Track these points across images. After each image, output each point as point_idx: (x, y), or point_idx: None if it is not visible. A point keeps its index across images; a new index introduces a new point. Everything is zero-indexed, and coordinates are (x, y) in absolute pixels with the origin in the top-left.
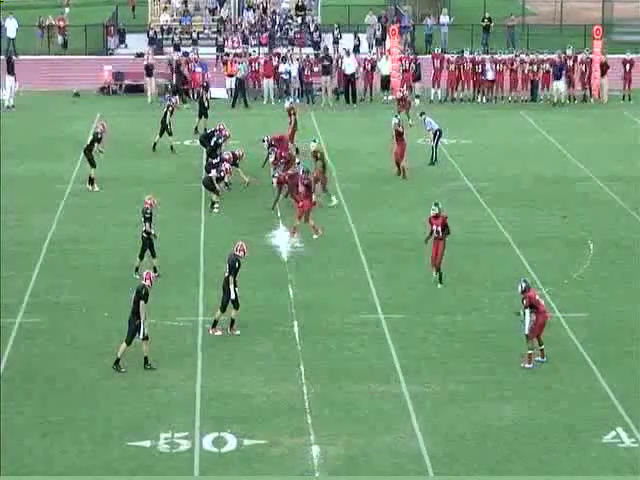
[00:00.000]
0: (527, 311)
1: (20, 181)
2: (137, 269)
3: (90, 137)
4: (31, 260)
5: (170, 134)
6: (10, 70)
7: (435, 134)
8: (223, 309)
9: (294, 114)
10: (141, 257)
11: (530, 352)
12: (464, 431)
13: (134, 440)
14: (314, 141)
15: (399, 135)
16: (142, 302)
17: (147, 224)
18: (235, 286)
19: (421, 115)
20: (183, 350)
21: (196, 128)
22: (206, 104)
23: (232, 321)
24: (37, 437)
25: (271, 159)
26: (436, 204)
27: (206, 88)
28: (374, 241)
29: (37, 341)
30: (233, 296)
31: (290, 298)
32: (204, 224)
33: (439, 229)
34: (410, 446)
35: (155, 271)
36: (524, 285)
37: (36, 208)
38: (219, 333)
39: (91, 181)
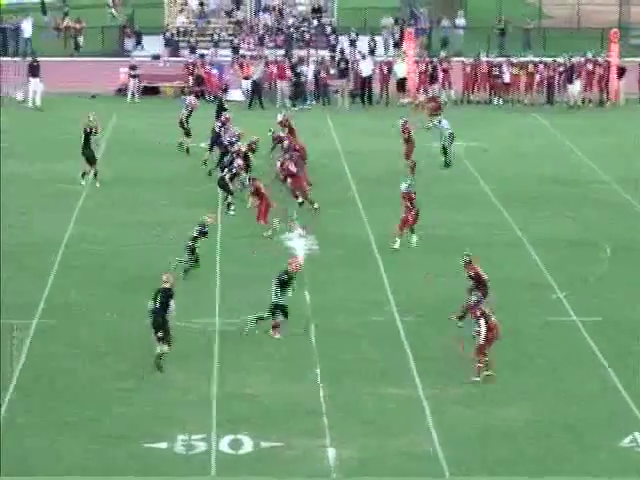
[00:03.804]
0: (482, 321)
1: (36, 182)
2: (186, 272)
3: (82, 135)
4: (47, 261)
5: (188, 135)
6: (35, 72)
7: (449, 137)
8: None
9: (288, 125)
10: (192, 267)
11: (480, 365)
12: (478, 433)
13: (150, 442)
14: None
15: (408, 136)
16: (172, 304)
17: (198, 239)
18: (282, 295)
19: (435, 115)
20: (199, 352)
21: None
22: (225, 106)
23: (276, 325)
24: (52, 438)
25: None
26: (467, 254)
27: (225, 90)
28: (390, 243)
29: (53, 342)
30: (278, 301)
31: (305, 299)
32: (220, 225)
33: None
34: (425, 448)
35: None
36: (467, 259)
37: (52, 209)
38: (278, 336)
39: (94, 175)
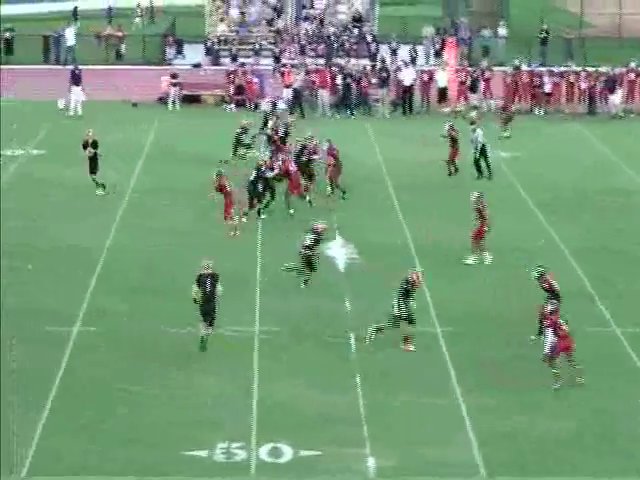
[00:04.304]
0: (549, 331)
1: (76, 189)
2: (305, 282)
3: (91, 150)
4: (87, 268)
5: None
6: (76, 81)
7: (481, 149)
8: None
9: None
10: (309, 276)
11: (556, 372)
12: (519, 442)
13: (190, 449)
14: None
15: (453, 140)
16: (219, 287)
17: (315, 247)
18: (404, 306)
19: (471, 124)
20: (239, 360)
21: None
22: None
23: (406, 337)
24: (90, 443)
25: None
26: (540, 268)
27: (274, 105)
28: (430, 251)
29: (93, 349)
30: (403, 313)
31: (346, 308)
32: (260, 232)
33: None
34: (465, 457)
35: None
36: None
37: (92, 216)
38: (412, 348)
39: (102, 186)
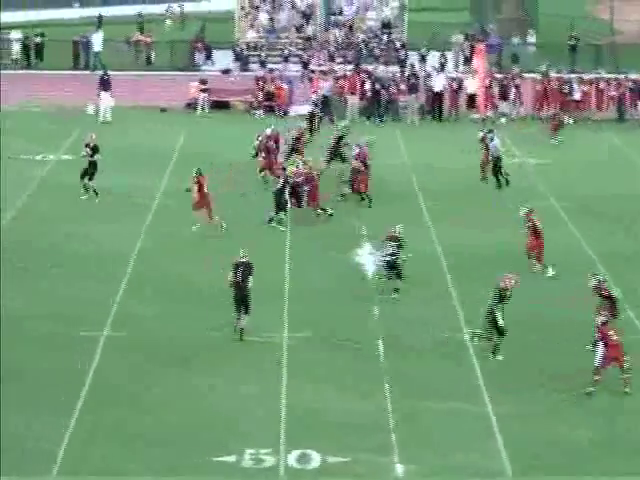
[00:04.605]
0: (600, 344)
1: (108, 194)
2: (395, 290)
3: (90, 152)
4: (118, 273)
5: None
6: (106, 87)
7: (495, 159)
8: (491, 337)
9: (277, 141)
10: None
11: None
12: (547, 450)
13: (219, 455)
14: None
15: (487, 147)
16: (251, 277)
17: (396, 255)
18: (500, 314)
19: (489, 132)
20: (268, 366)
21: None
22: (316, 120)
23: (496, 346)
24: (116, 446)
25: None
26: (596, 276)
27: (316, 104)
28: (458, 258)
29: (122, 354)
30: (501, 323)
31: (374, 315)
32: (289, 239)
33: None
34: (493, 463)
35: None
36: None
37: (121, 221)
38: (500, 358)
39: (95, 192)
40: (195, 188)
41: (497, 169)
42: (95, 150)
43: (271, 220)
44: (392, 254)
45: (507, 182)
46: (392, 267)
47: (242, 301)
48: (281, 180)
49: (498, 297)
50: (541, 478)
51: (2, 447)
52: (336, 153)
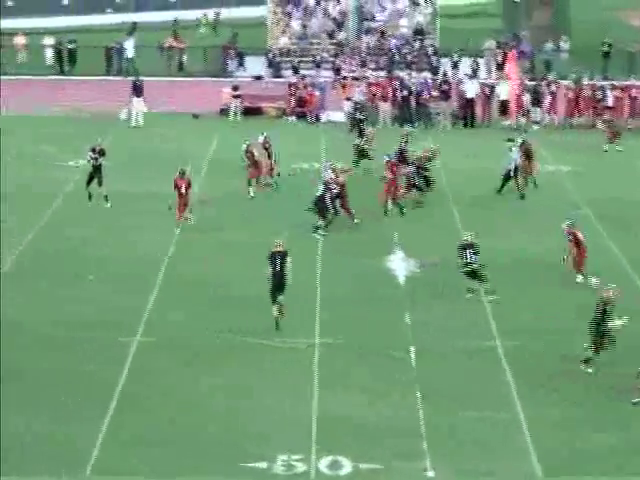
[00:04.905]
0: None
1: (140, 199)
2: (491, 292)
3: (95, 157)
4: (149, 279)
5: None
6: (138, 92)
7: (509, 170)
8: (596, 349)
9: (270, 146)
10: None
11: None
12: (579, 457)
13: (250, 461)
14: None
15: (527, 154)
16: (288, 265)
17: (471, 264)
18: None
19: (508, 141)
20: (300, 372)
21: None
22: (363, 126)
23: (587, 359)
24: (146, 450)
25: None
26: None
27: (361, 110)
28: (490, 265)
29: (153, 360)
30: (615, 325)
31: (407, 322)
32: (321, 245)
33: None
34: (526, 471)
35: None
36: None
37: (153, 227)
38: (590, 370)
39: (105, 197)
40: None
41: (506, 177)
42: (102, 154)
43: (317, 229)
44: (472, 262)
45: (522, 196)
46: (474, 274)
47: (278, 288)
48: (321, 187)
49: (601, 311)
50: None
51: (33, 449)
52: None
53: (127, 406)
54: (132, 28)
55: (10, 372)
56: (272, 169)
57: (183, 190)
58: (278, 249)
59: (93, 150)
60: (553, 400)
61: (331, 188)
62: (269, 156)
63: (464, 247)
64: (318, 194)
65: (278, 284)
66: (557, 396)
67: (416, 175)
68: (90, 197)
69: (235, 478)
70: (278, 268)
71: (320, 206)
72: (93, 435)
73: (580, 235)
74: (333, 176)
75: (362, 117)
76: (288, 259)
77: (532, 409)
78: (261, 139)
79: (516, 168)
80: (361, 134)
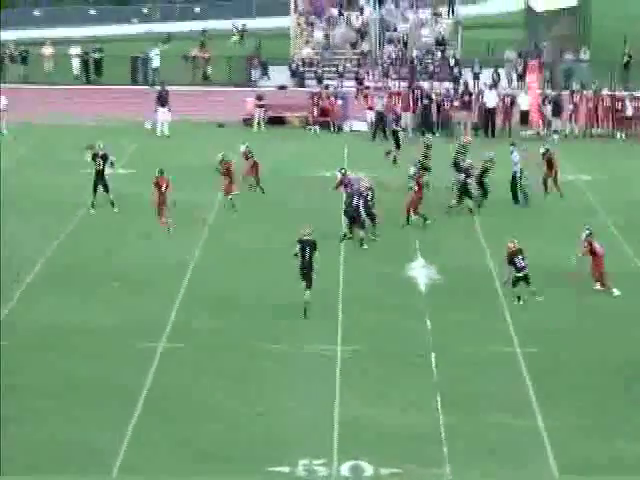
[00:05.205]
0: None
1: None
2: (533, 293)
3: (99, 161)
4: (174, 285)
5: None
6: (163, 102)
7: (514, 172)
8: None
9: (252, 156)
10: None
11: None
12: (599, 466)
13: (272, 465)
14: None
15: (549, 163)
16: (316, 254)
17: (521, 270)
18: None
19: (511, 145)
20: (321, 377)
21: (394, 159)
22: (398, 135)
23: None
24: (171, 457)
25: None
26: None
27: (396, 121)
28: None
29: (178, 365)
30: None
31: (427, 328)
32: (343, 253)
33: None
34: (544, 478)
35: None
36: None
37: (178, 233)
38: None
39: (111, 203)
40: (155, 188)
41: (514, 184)
42: (104, 159)
43: (344, 237)
44: (524, 266)
45: (526, 200)
46: (526, 279)
47: (306, 276)
48: (356, 196)
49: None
50: None
51: (63, 450)
52: (479, 183)
53: (151, 410)
54: (167, 38)
55: (40, 377)
56: (258, 180)
57: (163, 189)
58: (307, 237)
59: (96, 155)
60: (573, 407)
61: (365, 196)
62: (252, 166)
63: (514, 254)
64: (354, 204)
65: (306, 272)
66: (577, 403)
67: (466, 184)
68: (93, 205)
69: None
70: (307, 256)
71: (351, 214)
72: (119, 438)
73: (597, 245)
74: (366, 184)
75: (398, 129)
76: (316, 255)
77: (552, 416)
78: (243, 149)
79: (515, 173)
80: (398, 145)
